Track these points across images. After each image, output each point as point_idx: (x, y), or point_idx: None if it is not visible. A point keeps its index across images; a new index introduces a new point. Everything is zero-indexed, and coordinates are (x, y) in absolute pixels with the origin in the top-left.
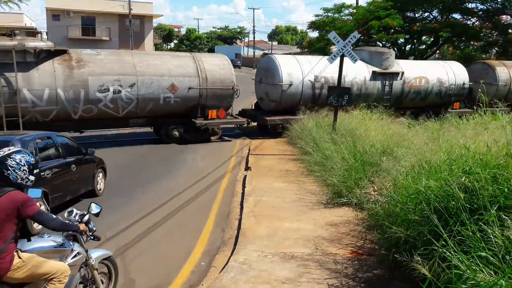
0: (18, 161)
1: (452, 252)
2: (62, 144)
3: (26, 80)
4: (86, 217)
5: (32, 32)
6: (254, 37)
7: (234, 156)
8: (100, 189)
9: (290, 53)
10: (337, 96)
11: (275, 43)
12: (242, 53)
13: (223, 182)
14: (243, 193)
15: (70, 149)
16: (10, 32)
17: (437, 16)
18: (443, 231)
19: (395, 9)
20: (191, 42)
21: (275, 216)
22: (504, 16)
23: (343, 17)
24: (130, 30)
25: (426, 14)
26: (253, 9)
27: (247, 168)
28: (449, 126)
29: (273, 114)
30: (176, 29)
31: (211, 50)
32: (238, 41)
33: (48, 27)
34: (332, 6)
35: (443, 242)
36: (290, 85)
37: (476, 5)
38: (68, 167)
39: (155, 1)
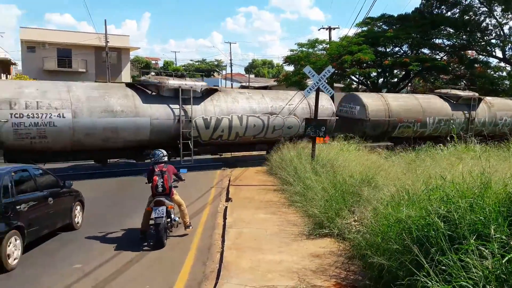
0: None
1: (434, 282)
2: (39, 176)
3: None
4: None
5: (6, 63)
6: (231, 70)
7: (214, 187)
8: (78, 222)
9: (267, 86)
10: (314, 128)
11: (252, 76)
12: (219, 85)
13: (204, 214)
14: (224, 225)
15: (46, 181)
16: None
17: (407, 50)
18: (424, 261)
19: (366, 44)
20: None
21: (257, 248)
22: (469, 51)
23: (317, 51)
24: (107, 62)
25: (397, 49)
26: (230, 43)
27: (227, 199)
28: (425, 156)
29: None
30: (153, 62)
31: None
32: (215, 74)
33: (23, 59)
34: (306, 42)
35: (425, 273)
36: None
37: (443, 41)
38: (45, 200)
39: (132, 34)
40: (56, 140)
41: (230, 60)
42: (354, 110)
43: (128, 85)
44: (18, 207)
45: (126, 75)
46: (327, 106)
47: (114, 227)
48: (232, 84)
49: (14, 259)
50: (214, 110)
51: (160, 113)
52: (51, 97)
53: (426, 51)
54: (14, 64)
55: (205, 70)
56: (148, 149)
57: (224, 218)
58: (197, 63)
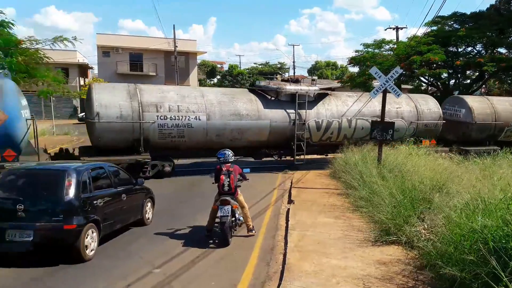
0: None
1: None
2: (113, 174)
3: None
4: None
5: (85, 68)
6: (294, 72)
7: (277, 188)
8: (148, 218)
9: (330, 88)
10: (381, 131)
11: (315, 77)
12: None
13: (267, 215)
14: (286, 227)
15: (120, 179)
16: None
17: (481, 50)
18: (502, 274)
19: (436, 44)
20: (233, 78)
21: (321, 252)
22: None
23: (384, 52)
24: (176, 66)
25: (470, 48)
26: (293, 45)
27: (290, 201)
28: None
29: None
30: (219, 65)
31: (253, 85)
32: (278, 76)
33: (98, 63)
34: (372, 42)
35: (503, 286)
36: None
37: None
38: (119, 196)
39: (199, 38)
40: (191, 140)
41: (293, 62)
42: (459, 113)
43: (250, 90)
44: (95, 202)
45: (193, 78)
46: (434, 109)
47: (182, 224)
48: None
49: (91, 250)
50: (326, 113)
51: (278, 116)
52: (189, 101)
53: (502, 50)
54: (91, 68)
55: (268, 73)
56: (264, 149)
57: (287, 220)
58: (260, 66)
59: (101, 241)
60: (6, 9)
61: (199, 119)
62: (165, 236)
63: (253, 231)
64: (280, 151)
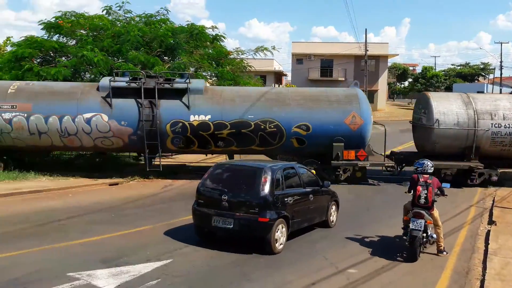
0: None
1: None
2: (303, 174)
3: None
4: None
5: (280, 75)
6: (501, 73)
7: (474, 206)
8: (332, 221)
9: None
10: None
11: None
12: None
13: (461, 234)
14: (486, 251)
15: (309, 179)
16: None
17: None
18: None
19: None
20: (426, 81)
21: None
22: None
23: None
24: (365, 70)
25: None
26: (501, 43)
27: (490, 222)
28: None
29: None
30: (411, 68)
31: (449, 89)
32: (480, 78)
33: (292, 70)
34: None
35: None
36: None
37: None
38: (307, 196)
39: (391, 40)
40: None
41: (500, 62)
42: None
43: None
44: (286, 199)
45: (382, 82)
46: None
47: (366, 230)
48: (501, 89)
49: (280, 244)
50: None
51: None
52: None
53: None
54: (285, 75)
55: (468, 74)
56: None
57: (486, 243)
58: (458, 67)
59: (289, 237)
60: (218, 24)
61: None
62: (349, 240)
63: (445, 253)
64: None
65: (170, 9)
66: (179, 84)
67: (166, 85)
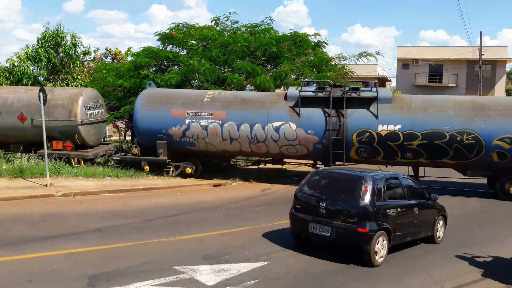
0: None
1: None
2: (407, 186)
3: None
4: None
5: (383, 80)
6: None
7: None
8: (439, 237)
9: None
10: None
11: None
12: None
13: None
14: None
15: (414, 191)
16: None
17: None
18: None
19: None
20: None
21: None
22: None
23: None
24: (479, 76)
25: None
26: None
27: None
28: None
29: None
30: None
31: None
32: None
33: (397, 76)
34: None
35: None
36: None
37: None
38: (411, 209)
39: (510, 44)
40: None
41: None
42: None
43: None
44: (388, 210)
45: (499, 89)
46: None
47: (479, 250)
48: None
49: (380, 257)
50: None
51: None
52: None
53: None
54: (389, 80)
55: None
56: None
57: None
58: None
59: (389, 250)
60: (320, 31)
61: None
62: (457, 259)
63: None
64: None
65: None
66: (367, 93)
67: (353, 94)
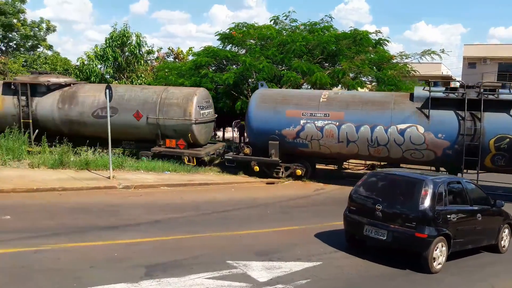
0: None
1: None
2: (470, 191)
3: None
4: None
5: (448, 79)
6: None
7: None
8: (504, 246)
9: None
10: None
11: None
12: None
13: None
14: None
15: (477, 197)
16: None
17: None
18: None
19: None
20: None
21: None
22: None
23: None
24: None
25: None
26: None
27: None
28: None
29: None
30: None
31: None
32: None
33: (462, 75)
34: None
35: None
36: None
37: None
38: (474, 215)
39: None
40: None
41: None
42: None
43: None
44: (448, 216)
45: None
46: None
47: None
48: None
49: (438, 264)
50: None
51: None
52: None
53: None
54: (454, 79)
55: None
56: None
57: None
58: None
59: (449, 257)
60: (382, 28)
61: None
62: None
63: None
64: None
65: (333, 15)
66: (507, 95)
67: (491, 96)
